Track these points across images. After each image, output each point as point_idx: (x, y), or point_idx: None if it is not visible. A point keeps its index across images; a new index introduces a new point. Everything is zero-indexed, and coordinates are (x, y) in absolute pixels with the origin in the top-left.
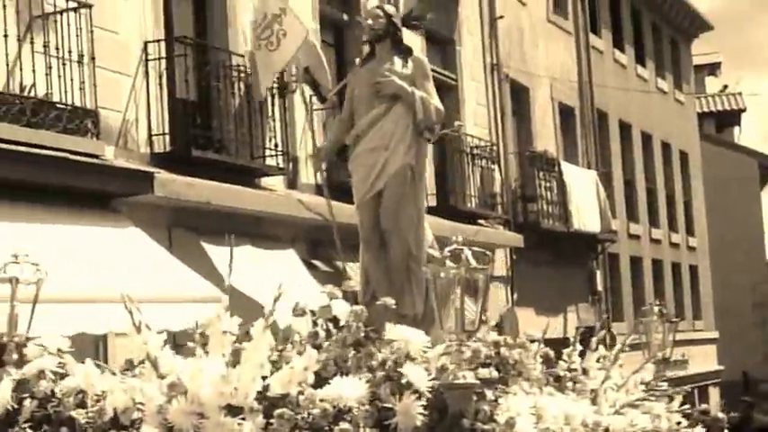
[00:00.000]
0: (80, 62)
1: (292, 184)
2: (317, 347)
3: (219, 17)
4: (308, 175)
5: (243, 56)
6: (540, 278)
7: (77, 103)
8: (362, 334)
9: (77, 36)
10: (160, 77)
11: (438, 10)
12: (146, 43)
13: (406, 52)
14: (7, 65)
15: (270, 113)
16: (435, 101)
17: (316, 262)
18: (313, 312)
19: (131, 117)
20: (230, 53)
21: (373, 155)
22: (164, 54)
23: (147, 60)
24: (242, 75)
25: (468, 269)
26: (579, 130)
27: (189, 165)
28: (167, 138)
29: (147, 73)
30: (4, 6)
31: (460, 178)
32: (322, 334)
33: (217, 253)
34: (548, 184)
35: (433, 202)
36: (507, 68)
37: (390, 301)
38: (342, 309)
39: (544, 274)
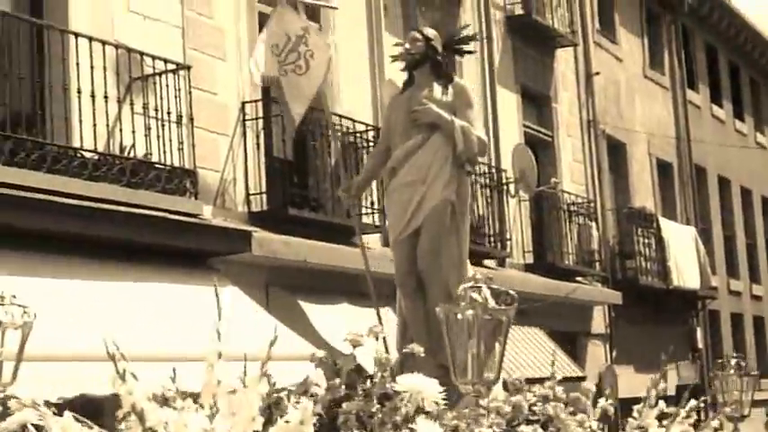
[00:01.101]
0: (179, 123)
1: (388, 241)
2: (339, 401)
3: None
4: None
5: (340, 115)
6: (639, 335)
7: (176, 164)
8: (389, 386)
9: (176, 97)
10: (257, 137)
11: (534, 66)
12: (243, 103)
13: (446, 78)
14: (107, 126)
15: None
16: (478, 130)
17: None
18: (335, 362)
19: (229, 176)
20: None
21: (409, 189)
22: (261, 114)
23: (244, 120)
24: (338, 134)
25: (486, 310)
26: (677, 186)
27: (286, 223)
28: (264, 197)
29: (244, 133)
30: (105, 68)
31: (558, 235)
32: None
33: (314, 311)
34: (646, 241)
35: (530, 259)
36: (604, 124)
37: (419, 348)
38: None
39: (643, 331)
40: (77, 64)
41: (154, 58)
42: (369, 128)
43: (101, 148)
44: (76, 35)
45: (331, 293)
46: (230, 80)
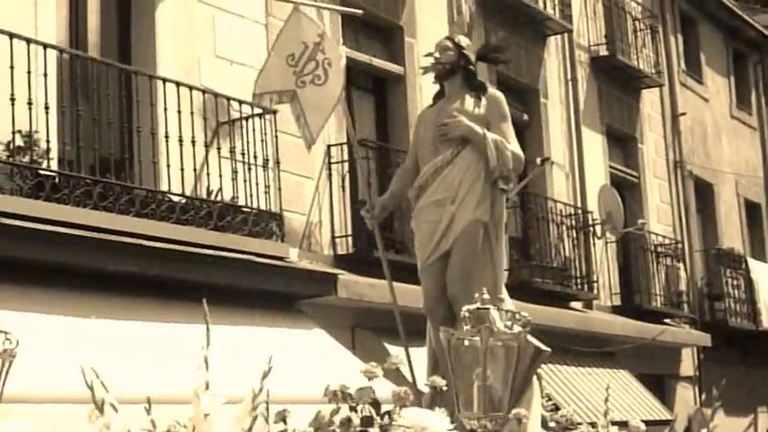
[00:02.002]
0: (265, 166)
1: None
2: None
3: (400, 119)
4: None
5: None
6: (728, 378)
7: (262, 207)
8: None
9: (262, 141)
10: (342, 180)
11: (619, 107)
12: (328, 146)
13: (479, 89)
14: (195, 170)
15: None
16: (513, 145)
17: None
18: (350, 396)
19: (315, 219)
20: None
21: (438, 209)
22: (346, 157)
23: (330, 163)
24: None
25: (493, 334)
26: (766, 226)
27: (371, 266)
28: (350, 239)
29: (329, 176)
30: (192, 113)
31: (645, 277)
32: (356, 420)
33: (400, 353)
34: (735, 282)
35: (617, 301)
36: (690, 165)
37: (441, 381)
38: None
39: (733, 373)
40: (165, 109)
41: (240, 102)
42: None
43: (188, 192)
44: (164, 80)
45: (417, 335)
46: None
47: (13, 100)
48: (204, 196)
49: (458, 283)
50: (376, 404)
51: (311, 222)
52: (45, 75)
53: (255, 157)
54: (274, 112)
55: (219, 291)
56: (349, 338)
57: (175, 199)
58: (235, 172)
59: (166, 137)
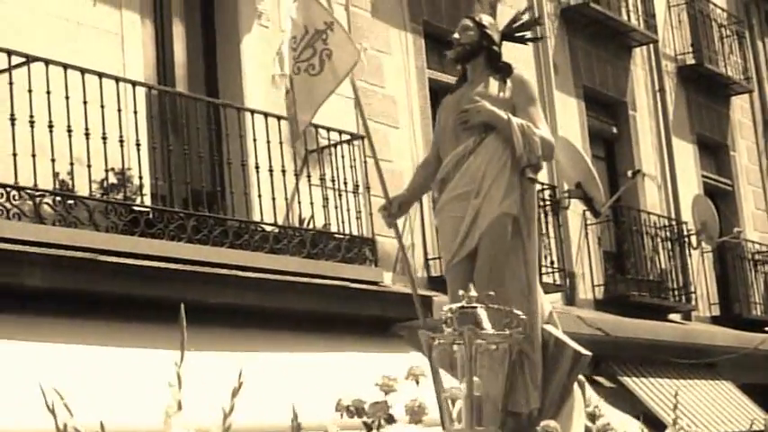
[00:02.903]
0: (355, 192)
1: (570, 300)
2: None
3: None
4: (585, 290)
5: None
6: None
7: (354, 232)
8: None
9: (351, 167)
10: (433, 202)
11: (709, 116)
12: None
13: (504, 71)
14: (286, 199)
15: (544, 231)
16: (543, 130)
17: (598, 378)
18: (364, 410)
19: (407, 242)
20: None
21: (461, 204)
22: None
23: None
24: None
25: (477, 335)
26: None
27: None
28: (440, 261)
29: (420, 198)
30: (281, 143)
31: (743, 285)
32: None
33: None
34: None
35: (716, 311)
36: None
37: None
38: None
39: None
40: (254, 140)
41: (328, 129)
42: (544, 187)
43: (280, 221)
44: (252, 112)
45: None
46: (404, 147)
47: (104, 138)
48: (296, 225)
49: (486, 284)
50: (391, 419)
51: (404, 246)
52: (135, 112)
53: (345, 183)
54: (362, 138)
55: (315, 318)
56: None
57: (268, 228)
58: (326, 199)
59: (257, 167)
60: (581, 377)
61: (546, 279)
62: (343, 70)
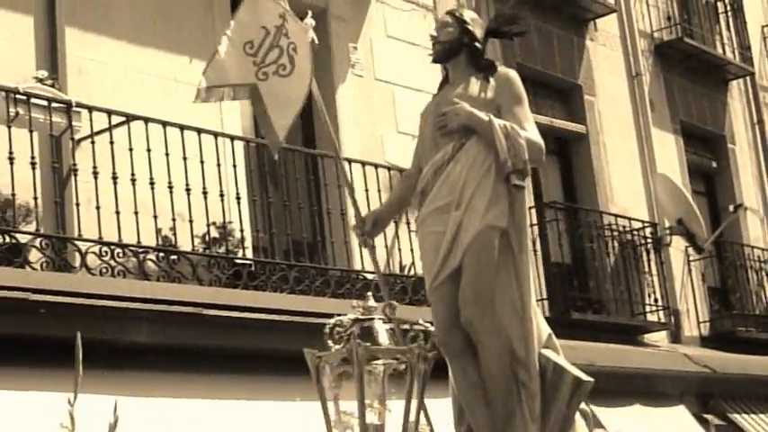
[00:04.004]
0: None
1: (676, 337)
2: None
3: (586, 178)
4: (690, 327)
5: (615, 215)
6: None
7: None
8: None
9: None
10: (533, 244)
11: None
12: None
13: (487, 69)
14: (386, 246)
15: (646, 269)
16: (530, 132)
17: (707, 416)
18: None
19: None
20: (601, 213)
21: (442, 218)
22: (535, 221)
23: None
24: (614, 233)
25: (369, 352)
26: None
27: (569, 328)
28: (546, 303)
29: None
30: (379, 190)
31: None
32: None
33: (605, 414)
34: None
35: None
36: None
37: None
38: None
39: None
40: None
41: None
42: (645, 224)
43: (381, 269)
44: (349, 161)
45: (622, 395)
46: None
47: (205, 193)
48: (397, 272)
49: (473, 306)
50: None
51: None
52: (234, 166)
53: None
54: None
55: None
56: None
57: (369, 276)
58: None
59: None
60: (585, 407)
61: (650, 317)
62: (304, 60)
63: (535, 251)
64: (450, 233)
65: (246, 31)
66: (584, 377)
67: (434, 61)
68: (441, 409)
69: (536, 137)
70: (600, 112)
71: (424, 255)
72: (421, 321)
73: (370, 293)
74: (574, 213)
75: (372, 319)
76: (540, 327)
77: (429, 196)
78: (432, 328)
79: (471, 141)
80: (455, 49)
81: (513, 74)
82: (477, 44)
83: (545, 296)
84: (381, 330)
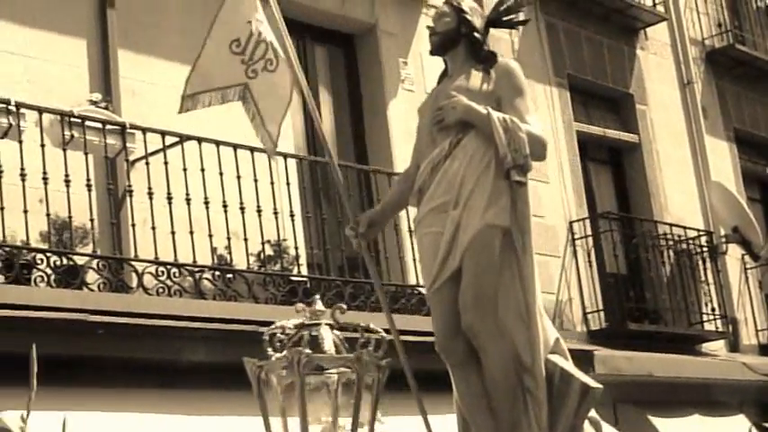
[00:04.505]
0: None
1: (734, 346)
2: None
3: (640, 188)
4: (749, 336)
5: (670, 224)
6: None
7: None
8: None
9: None
10: (588, 255)
11: None
12: (570, 223)
13: (487, 60)
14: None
15: (703, 278)
16: (531, 125)
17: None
18: None
19: (564, 297)
20: (655, 222)
21: (439, 217)
22: (589, 232)
23: (573, 240)
24: (670, 243)
25: (311, 362)
26: None
27: (626, 338)
28: (602, 314)
29: (575, 252)
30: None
31: None
32: None
33: (665, 425)
34: None
35: None
36: None
37: None
38: None
39: None
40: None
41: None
42: (700, 233)
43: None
44: None
45: (680, 406)
46: (555, 201)
47: (259, 211)
48: None
49: (472, 311)
50: None
51: (561, 301)
52: (288, 183)
53: None
54: None
55: None
56: (611, 415)
57: (424, 291)
58: None
59: (410, 230)
60: (595, 415)
61: (708, 326)
62: (284, 46)
63: (590, 262)
64: (448, 233)
65: (232, 30)
66: (593, 383)
67: (432, 53)
68: (445, 426)
69: (538, 130)
70: (652, 121)
71: (423, 257)
72: (372, 326)
73: (317, 296)
74: (628, 223)
75: (319, 324)
76: (547, 331)
77: (426, 195)
78: (384, 334)
79: (469, 136)
80: (453, 40)
81: (515, 64)
82: (476, 34)
83: (601, 307)
84: (328, 337)
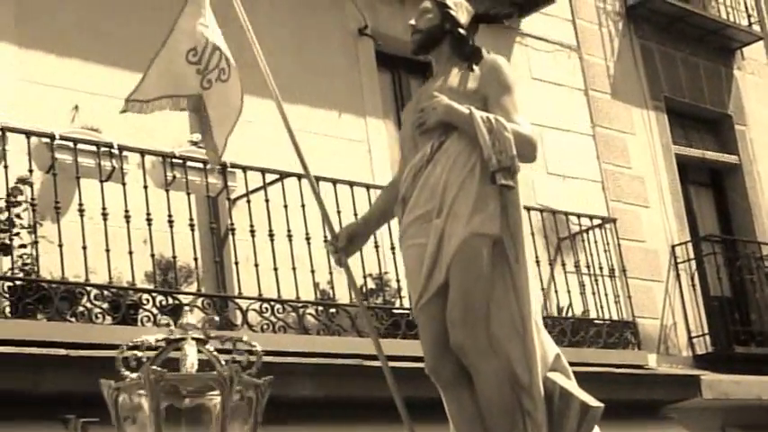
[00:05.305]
0: (612, 276)
1: None
2: None
3: (742, 209)
4: None
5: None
6: None
7: (614, 317)
8: None
9: (605, 251)
10: (692, 279)
11: None
12: (673, 247)
13: (472, 57)
14: (543, 289)
15: None
16: (519, 124)
17: None
18: None
19: (668, 322)
20: (759, 244)
21: (423, 227)
22: (692, 255)
23: (676, 264)
24: None
25: (167, 382)
26: None
27: (732, 362)
28: (707, 338)
29: (677, 276)
30: (532, 233)
31: None
32: None
33: None
34: None
35: None
36: None
37: None
38: None
39: None
40: None
41: (579, 215)
42: None
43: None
44: None
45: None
46: (656, 226)
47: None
48: (555, 314)
49: (460, 328)
50: None
51: (665, 326)
52: None
53: (601, 267)
54: (614, 221)
55: None
56: None
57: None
58: (582, 285)
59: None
60: None
61: None
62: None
63: (693, 286)
64: (432, 245)
65: (190, 37)
66: (593, 402)
67: (413, 52)
68: None
69: (526, 129)
70: (752, 141)
71: (408, 271)
72: (245, 339)
73: (187, 308)
74: (731, 245)
75: (183, 339)
76: (546, 346)
77: (409, 204)
78: (258, 348)
79: (452, 138)
80: (436, 38)
81: (501, 60)
82: (460, 30)
83: (706, 331)
84: (192, 353)
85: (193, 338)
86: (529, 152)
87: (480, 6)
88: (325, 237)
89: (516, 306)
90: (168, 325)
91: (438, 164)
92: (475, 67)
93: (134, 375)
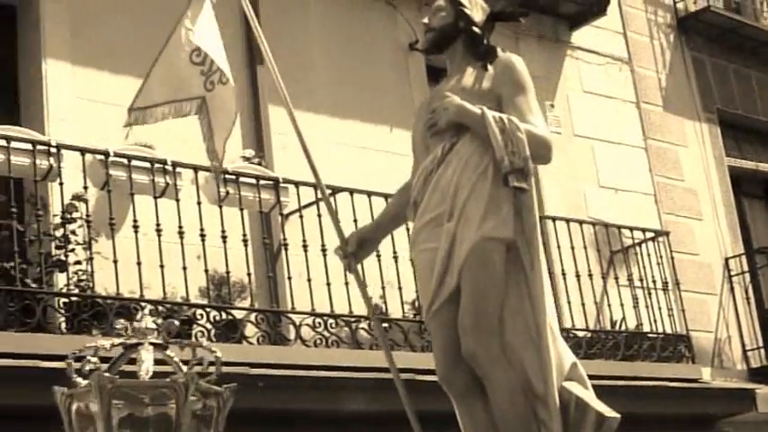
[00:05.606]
0: (665, 289)
1: None
2: None
3: None
4: None
5: None
6: None
7: (668, 330)
8: None
9: (658, 264)
10: (746, 291)
11: None
12: (726, 260)
13: (486, 56)
14: (595, 303)
15: None
16: (534, 125)
17: None
18: None
19: (722, 335)
20: None
21: (435, 231)
22: (746, 268)
23: (730, 277)
24: None
25: (118, 390)
26: None
27: None
28: (762, 351)
29: (731, 289)
30: (585, 247)
31: None
32: None
33: None
34: None
35: None
36: None
37: None
38: None
39: None
40: (558, 246)
41: (631, 229)
42: None
43: (591, 326)
44: (554, 219)
45: None
46: (710, 239)
47: (412, 260)
48: (608, 328)
49: (472, 336)
50: None
51: (719, 339)
52: None
53: (654, 281)
54: (667, 234)
55: (635, 420)
56: None
57: (580, 334)
58: (635, 299)
59: (563, 273)
60: None
61: None
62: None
63: (748, 299)
64: (443, 249)
65: (188, 42)
66: (609, 413)
67: (425, 51)
68: None
69: (541, 130)
70: None
71: (420, 277)
72: (205, 344)
73: (146, 311)
74: None
75: (140, 344)
76: (562, 355)
77: (420, 207)
78: (218, 354)
79: (464, 140)
80: (450, 37)
81: (516, 59)
82: (475, 28)
83: (761, 344)
84: (148, 359)
85: (151, 344)
86: (543, 153)
87: (497, 5)
88: (378, 252)
89: (531, 313)
90: (126, 330)
91: (449, 166)
92: (489, 66)
93: (84, 382)
